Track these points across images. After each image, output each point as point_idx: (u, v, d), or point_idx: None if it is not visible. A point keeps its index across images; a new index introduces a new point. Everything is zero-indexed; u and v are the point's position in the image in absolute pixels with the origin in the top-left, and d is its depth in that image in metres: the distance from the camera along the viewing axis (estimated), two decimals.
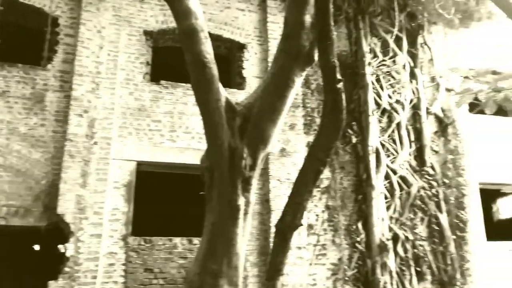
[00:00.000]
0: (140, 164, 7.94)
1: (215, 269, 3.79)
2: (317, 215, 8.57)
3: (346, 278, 8.29)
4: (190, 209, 9.51)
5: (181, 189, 10.50)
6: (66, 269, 6.91)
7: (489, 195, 11.23)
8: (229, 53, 9.63)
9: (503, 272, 9.31)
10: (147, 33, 8.65)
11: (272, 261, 3.82)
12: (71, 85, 7.80)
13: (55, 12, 8.24)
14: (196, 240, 7.62)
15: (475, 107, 5.10)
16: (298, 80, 4.02)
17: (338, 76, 3.42)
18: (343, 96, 3.52)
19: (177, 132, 8.23)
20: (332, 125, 3.65)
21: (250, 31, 9.34)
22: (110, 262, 7.26)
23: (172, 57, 9.47)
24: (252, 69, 9.14)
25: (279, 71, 3.94)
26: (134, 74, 8.32)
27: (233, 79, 9.37)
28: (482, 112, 4.82)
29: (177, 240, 7.74)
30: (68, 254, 6.96)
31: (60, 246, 7.00)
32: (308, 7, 3.66)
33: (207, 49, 3.58)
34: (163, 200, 11.34)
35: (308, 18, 3.74)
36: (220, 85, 3.77)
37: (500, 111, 6.01)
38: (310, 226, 8.45)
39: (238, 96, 8.01)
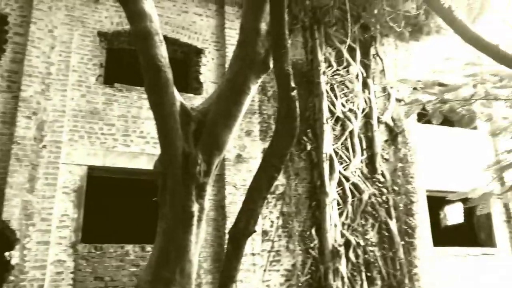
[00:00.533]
0: (91, 168, 7.71)
1: (167, 276, 3.73)
2: (272, 222, 8.63)
3: (300, 284, 8.37)
4: (143, 215, 9.33)
5: (134, 195, 10.28)
6: (11, 277, 6.59)
7: (437, 202, 11.70)
8: (186, 57, 9.56)
9: (448, 277, 9.71)
10: (101, 34, 8.45)
11: (225, 268, 3.80)
12: (19, 86, 7.49)
13: (4, 10, 7.91)
14: (149, 247, 7.47)
15: (423, 117, 5.31)
16: (254, 87, 4.05)
17: (292, 84, 3.47)
18: (297, 103, 3.57)
19: (131, 137, 8.06)
20: (286, 132, 3.69)
21: (208, 36, 9.32)
22: (58, 271, 6.99)
23: (128, 59, 9.30)
24: (209, 74, 9.12)
25: (234, 78, 3.95)
26: (87, 76, 8.10)
27: (190, 84, 9.31)
28: (429, 122, 5.02)
29: (129, 247, 7.56)
30: (13, 262, 6.65)
31: (5, 254, 6.68)
32: (264, 14, 3.71)
33: (162, 52, 3.53)
34: (115, 206, 11.05)
35: (263, 26, 3.78)
36: (175, 90, 3.73)
37: (447, 121, 6.30)
38: (265, 233, 8.49)
39: (194, 101, 7.95)
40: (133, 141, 8.04)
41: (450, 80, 4.73)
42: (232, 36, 9.23)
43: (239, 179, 8.43)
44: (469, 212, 12.01)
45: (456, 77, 4.72)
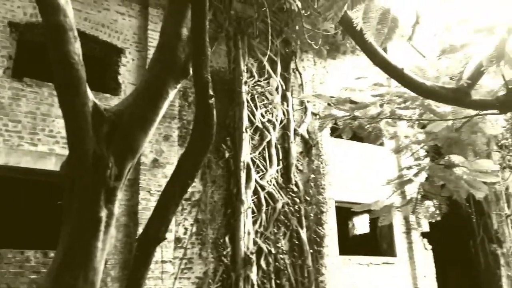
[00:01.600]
0: None
1: (70, 284, 3.54)
2: (185, 228, 8.54)
3: None
4: (48, 219, 8.80)
5: (39, 197, 9.66)
6: None
7: (345, 213, 12.30)
8: (105, 56, 9.22)
9: (352, 284, 10.22)
10: (12, 24, 7.89)
11: (132, 276, 3.70)
12: None
13: None
14: (52, 253, 7.03)
15: (336, 131, 5.58)
16: (172, 92, 4.00)
17: (211, 92, 3.49)
18: (214, 111, 3.59)
19: (39, 135, 7.58)
20: (202, 139, 3.69)
21: (129, 36, 9.08)
22: None
23: (40, 53, 8.77)
24: (128, 75, 8.87)
25: (153, 81, 3.88)
26: None
27: (108, 83, 8.98)
28: (340, 136, 5.29)
29: (30, 253, 7.07)
30: None
31: None
32: (186, 20, 3.69)
33: (75, 49, 3.36)
34: (16, 208, 10.30)
35: (185, 31, 3.77)
36: (87, 89, 3.57)
37: (357, 137, 6.68)
38: (178, 240, 8.38)
39: (111, 102, 7.71)
40: (41, 140, 7.57)
41: (361, 98, 5.03)
42: (155, 38, 9.05)
43: (154, 184, 8.26)
44: (374, 223, 12.76)
45: (366, 96, 5.03)
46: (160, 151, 8.56)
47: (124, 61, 8.90)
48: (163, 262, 7.92)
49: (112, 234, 3.89)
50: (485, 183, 4.47)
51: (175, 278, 8.10)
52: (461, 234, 13.70)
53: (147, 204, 8.02)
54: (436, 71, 4.55)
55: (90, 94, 3.58)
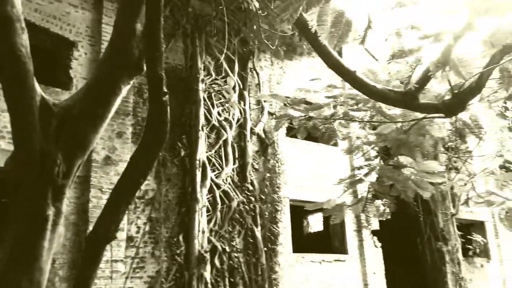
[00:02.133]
0: None
1: (15, 285, 3.41)
2: (138, 227, 8.39)
3: None
4: None
5: None
6: None
7: (300, 211, 12.48)
8: (57, 49, 8.89)
9: (305, 281, 10.39)
10: None
11: (80, 276, 3.60)
12: None
13: None
14: None
15: (292, 131, 5.66)
16: (125, 88, 3.92)
17: (165, 89, 3.44)
18: (168, 108, 3.55)
19: None
20: (155, 137, 3.64)
21: (82, 30, 8.80)
22: None
23: None
24: (80, 70, 8.60)
25: (104, 76, 3.78)
26: None
27: (59, 77, 8.66)
28: (296, 136, 5.38)
29: None
30: None
31: None
32: (140, 15, 3.63)
33: (23, 41, 3.23)
34: None
35: (139, 26, 3.70)
36: (35, 82, 3.44)
37: (312, 137, 6.79)
38: (130, 239, 8.21)
39: (62, 97, 7.44)
40: None
41: (316, 99, 5.12)
42: (109, 32, 8.75)
43: (106, 182, 8.06)
44: (327, 221, 13.01)
45: (320, 97, 5.13)
46: (113, 148, 8.36)
47: (76, 54, 8.63)
48: (114, 261, 7.74)
49: (60, 233, 3.77)
50: (431, 183, 4.66)
51: (127, 278, 7.94)
52: (409, 232, 14.23)
53: (98, 202, 7.81)
54: (387, 75, 4.70)
55: (38, 88, 3.45)
